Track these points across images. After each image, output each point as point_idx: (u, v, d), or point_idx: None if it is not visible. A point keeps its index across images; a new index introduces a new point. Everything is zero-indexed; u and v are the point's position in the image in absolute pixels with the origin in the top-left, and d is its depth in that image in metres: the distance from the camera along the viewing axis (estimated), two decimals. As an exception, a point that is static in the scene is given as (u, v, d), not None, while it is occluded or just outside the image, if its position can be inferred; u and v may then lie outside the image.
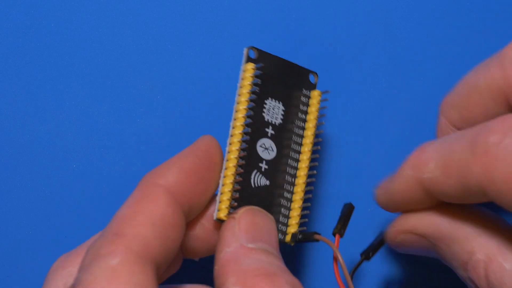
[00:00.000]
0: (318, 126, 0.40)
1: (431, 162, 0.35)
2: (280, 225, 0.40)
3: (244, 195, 0.39)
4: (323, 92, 0.40)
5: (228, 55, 0.45)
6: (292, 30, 0.46)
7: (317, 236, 0.39)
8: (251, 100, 0.39)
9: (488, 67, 0.36)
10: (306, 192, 0.40)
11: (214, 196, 0.38)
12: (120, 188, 0.44)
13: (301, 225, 0.40)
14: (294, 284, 0.35)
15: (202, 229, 0.39)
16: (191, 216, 0.38)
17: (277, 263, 0.36)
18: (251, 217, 0.38)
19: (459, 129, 0.39)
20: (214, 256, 0.37)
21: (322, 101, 0.40)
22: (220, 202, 0.38)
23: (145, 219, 0.35)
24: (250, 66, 0.38)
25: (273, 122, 0.39)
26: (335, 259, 0.38)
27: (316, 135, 0.40)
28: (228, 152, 0.38)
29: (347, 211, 0.39)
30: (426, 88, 0.46)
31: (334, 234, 0.39)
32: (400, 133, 0.46)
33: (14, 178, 0.44)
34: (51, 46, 0.45)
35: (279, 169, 0.40)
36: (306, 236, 0.39)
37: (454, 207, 0.37)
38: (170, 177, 0.37)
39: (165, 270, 0.37)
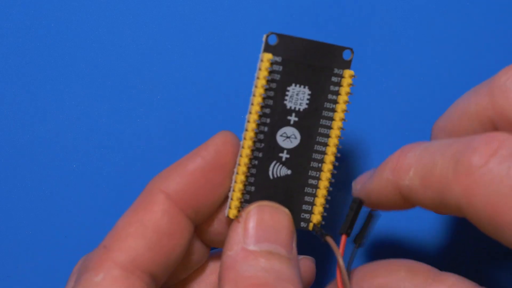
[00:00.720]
0: (347, 112, 0.39)
1: (411, 169, 0.35)
2: (303, 213, 0.39)
3: (260, 189, 0.38)
4: (354, 76, 0.39)
5: (229, 55, 0.45)
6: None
7: (328, 239, 0.38)
8: (268, 89, 0.37)
9: (478, 94, 0.36)
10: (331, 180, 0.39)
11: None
12: (120, 188, 0.44)
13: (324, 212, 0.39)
14: None
15: (221, 224, 0.38)
16: (201, 218, 0.37)
17: (276, 268, 0.35)
18: (258, 216, 0.37)
19: None
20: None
21: (352, 85, 0.38)
22: (231, 199, 0.37)
23: (137, 230, 0.35)
24: (267, 56, 0.37)
25: (297, 109, 0.38)
26: (339, 266, 0.37)
27: (346, 116, 0.39)
28: (242, 147, 0.37)
29: (356, 207, 0.39)
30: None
31: (340, 234, 0.39)
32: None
33: (14, 178, 0.44)
34: (51, 46, 0.45)
35: (303, 157, 0.38)
36: (321, 233, 0.38)
37: (388, 263, 0.38)
38: (172, 183, 0.36)
39: (181, 272, 0.37)
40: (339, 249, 0.38)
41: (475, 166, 0.32)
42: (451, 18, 0.47)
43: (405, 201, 0.36)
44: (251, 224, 0.37)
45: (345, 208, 0.43)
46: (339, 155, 0.39)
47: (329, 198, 0.39)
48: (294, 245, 0.37)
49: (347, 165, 0.45)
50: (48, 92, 0.44)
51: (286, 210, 0.38)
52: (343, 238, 0.38)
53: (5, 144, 0.44)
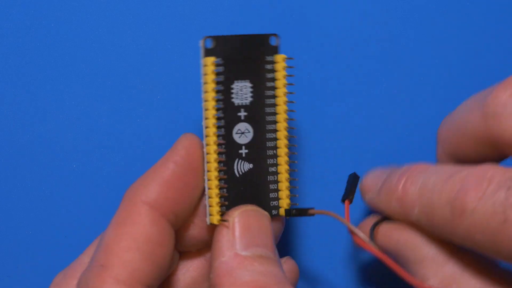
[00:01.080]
0: (290, 90, 0.40)
1: (415, 208, 0.36)
2: (271, 202, 0.40)
3: (231, 188, 0.39)
4: (288, 58, 0.39)
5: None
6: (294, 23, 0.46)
7: (312, 211, 0.39)
8: (216, 91, 0.38)
9: (473, 114, 0.36)
10: (291, 162, 0.40)
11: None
12: (120, 188, 0.44)
13: (292, 194, 0.40)
14: None
15: (197, 229, 0.39)
16: (179, 223, 0.37)
17: (273, 272, 0.36)
18: (244, 221, 0.37)
19: (455, 160, 0.39)
20: (210, 261, 0.37)
21: (290, 67, 0.39)
22: (210, 206, 0.38)
23: (130, 244, 0.35)
24: (209, 60, 0.38)
25: (244, 104, 0.39)
26: (351, 231, 0.38)
27: (290, 100, 0.39)
28: (207, 153, 0.38)
29: (353, 180, 0.40)
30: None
31: (343, 201, 0.39)
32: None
33: (14, 178, 0.44)
34: (51, 46, 0.45)
35: (260, 149, 0.39)
36: (300, 211, 0.39)
37: (413, 230, 0.38)
38: (151, 192, 0.36)
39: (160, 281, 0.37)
40: (346, 215, 0.39)
41: (469, 209, 0.33)
42: (451, 19, 0.47)
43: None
44: (239, 229, 0.37)
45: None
46: (295, 136, 0.40)
47: (296, 179, 0.40)
48: (275, 245, 0.38)
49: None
50: (48, 92, 0.44)
51: (265, 212, 0.39)
52: (346, 204, 0.39)
53: (5, 144, 0.44)
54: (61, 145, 0.44)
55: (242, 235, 0.37)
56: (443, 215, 0.34)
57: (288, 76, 0.39)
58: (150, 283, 0.35)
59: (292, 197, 0.40)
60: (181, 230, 0.39)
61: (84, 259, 0.38)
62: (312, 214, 0.39)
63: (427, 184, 0.36)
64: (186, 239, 0.39)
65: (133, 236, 0.35)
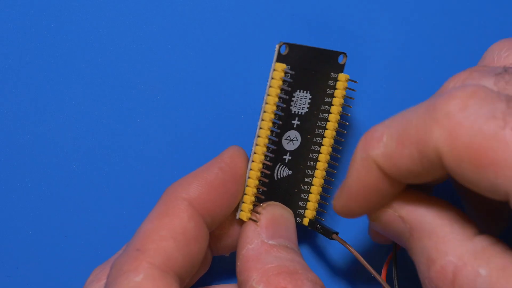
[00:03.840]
0: (345, 110, 0.41)
1: (384, 136, 0.35)
2: (298, 210, 0.41)
3: (267, 190, 0.40)
4: (351, 80, 0.40)
5: (229, 55, 0.45)
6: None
7: (335, 236, 0.40)
8: (280, 97, 0.39)
9: (420, 119, 0.35)
10: (328, 175, 0.41)
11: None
12: (120, 188, 0.44)
13: (320, 208, 0.41)
14: (315, 281, 0.36)
15: (228, 227, 0.40)
16: (214, 225, 0.38)
17: (297, 260, 0.37)
18: (271, 214, 0.39)
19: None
20: (236, 253, 0.38)
21: (349, 88, 0.40)
22: (243, 202, 0.39)
23: (167, 233, 0.36)
24: (281, 67, 0.38)
25: (299, 113, 0.40)
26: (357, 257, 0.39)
27: (343, 119, 0.40)
28: (254, 153, 0.39)
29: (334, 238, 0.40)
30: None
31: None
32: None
33: (14, 178, 0.44)
34: (51, 46, 0.45)
35: (302, 157, 0.40)
36: (324, 230, 0.40)
37: (441, 204, 0.36)
38: (193, 191, 0.37)
39: (192, 277, 0.38)
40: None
41: (455, 110, 0.32)
42: (451, 20, 0.47)
43: (385, 181, 0.35)
44: (265, 221, 0.39)
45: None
46: (339, 155, 0.41)
47: (328, 196, 0.41)
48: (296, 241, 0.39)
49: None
50: (48, 92, 0.44)
51: (290, 210, 0.40)
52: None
53: (5, 144, 0.44)
54: (61, 145, 0.44)
55: (268, 226, 0.38)
56: (419, 124, 0.33)
57: (346, 96, 0.40)
58: (181, 274, 0.36)
59: (320, 212, 0.41)
60: (216, 234, 0.40)
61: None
62: (334, 239, 0.40)
63: (397, 114, 0.35)
64: (216, 237, 0.40)
65: (170, 226, 0.36)
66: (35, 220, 0.44)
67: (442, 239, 0.35)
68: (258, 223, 0.38)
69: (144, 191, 0.44)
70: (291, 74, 0.39)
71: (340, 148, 0.41)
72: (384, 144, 0.35)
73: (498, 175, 0.31)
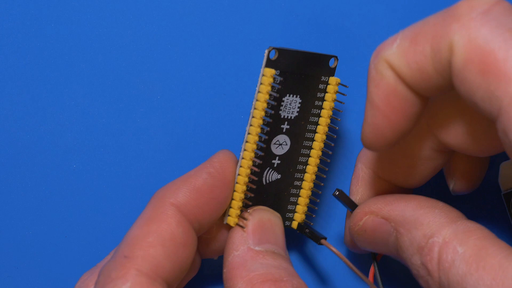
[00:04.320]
0: (335, 114, 0.40)
1: (398, 38, 0.35)
2: (287, 213, 0.40)
3: (255, 195, 0.39)
4: (342, 84, 0.40)
5: (229, 54, 0.45)
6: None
7: (323, 241, 0.39)
8: (268, 103, 0.38)
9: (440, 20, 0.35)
10: (318, 179, 0.41)
11: None
12: (120, 188, 0.44)
13: (309, 211, 0.41)
14: None
15: (216, 231, 0.40)
16: (202, 230, 0.38)
17: (284, 266, 0.37)
18: (257, 219, 0.38)
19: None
20: (223, 258, 0.38)
21: (340, 92, 0.40)
22: (231, 207, 0.39)
23: (155, 240, 0.36)
24: (270, 72, 0.38)
25: (289, 117, 0.39)
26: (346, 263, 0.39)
27: (333, 123, 0.40)
28: (242, 158, 0.39)
29: (340, 196, 0.40)
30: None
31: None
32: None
33: (14, 178, 0.44)
34: (51, 46, 0.45)
35: (291, 161, 0.40)
36: (313, 235, 0.40)
37: (419, 197, 0.37)
38: (181, 196, 0.37)
39: (180, 282, 0.37)
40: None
41: (478, 11, 0.32)
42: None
43: (405, 89, 0.35)
44: (252, 226, 0.38)
45: (338, 208, 0.44)
46: (329, 160, 0.40)
47: (318, 200, 0.41)
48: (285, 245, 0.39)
49: (343, 169, 0.45)
50: (48, 92, 0.44)
51: (278, 214, 0.40)
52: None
53: (5, 144, 0.44)
54: (61, 145, 0.44)
55: (255, 231, 0.38)
56: (436, 23, 0.33)
57: (337, 101, 0.40)
58: (170, 280, 0.36)
59: (309, 216, 0.41)
60: (204, 238, 0.39)
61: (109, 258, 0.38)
62: (322, 244, 0.40)
63: (414, 24, 0.35)
64: (204, 241, 0.40)
65: (158, 233, 0.36)
66: (35, 220, 0.44)
67: (427, 225, 0.36)
68: (245, 229, 0.38)
69: (144, 191, 0.44)
70: (280, 80, 0.38)
71: (331, 152, 0.41)
72: (397, 45, 0.34)
73: (499, 86, 0.31)
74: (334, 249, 0.39)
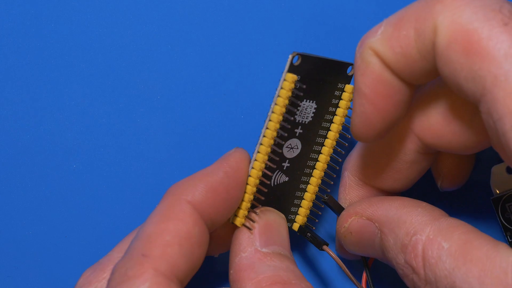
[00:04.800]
0: (348, 121, 0.40)
1: (382, 26, 0.35)
2: (290, 215, 0.40)
3: (263, 196, 0.39)
4: (297, 82, 0.39)
5: (229, 54, 0.45)
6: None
7: (325, 247, 0.40)
8: (286, 108, 0.38)
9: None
10: (324, 185, 0.41)
11: None
12: (120, 188, 0.44)
13: (313, 216, 0.41)
14: None
15: (220, 229, 0.39)
16: (212, 229, 0.38)
17: (291, 268, 0.37)
18: (264, 220, 0.38)
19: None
20: (229, 259, 0.37)
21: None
22: (239, 208, 0.38)
23: (173, 239, 0.35)
24: (292, 77, 0.38)
25: (303, 122, 0.39)
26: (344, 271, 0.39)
27: (345, 131, 0.40)
28: (255, 160, 0.38)
29: (328, 203, 0.40)
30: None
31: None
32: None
33: (14, 178, 0.44)
34: (51, 46, 0.45)
35: (300, 165, 0.40)
36: (314, 239, 0.40)
37: (402, 198, 0.38)
38: (197, 194, 0.37)
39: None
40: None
41: None
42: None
43: (390, 76, 0.35)
44: (259, 228, 0.38)
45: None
46: (337, 167, 0.41)
47: (322, 206, 0.41)
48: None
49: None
50: (48, 92, 0.44)
51: (283, 215, 0.40)
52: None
53: (5, 144, 0.44)
54: (61, 145, 0.44)
55: (261, 233, 0.38)
56: (419, 6, 0.33)
57: (350, 108, 0.39)
58: (183, 279, 0.36)
59: (312, 221, 0.41)
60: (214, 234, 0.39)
61: (114, 255, 0.38)
62: (323, 250, 0.40)
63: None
64: (210, 244, 0.39)
65: (176, 232, 0.35)
66: (35, 220, 0.44)
67: (410, 223, 0.36)
68: (252, 231, 0.38)
69: (144, 191, 0.44)
70: (300, 85, 0.38)
71: (340, 160, 0.41)
72: (381, 31, 0.35)
73: (482, 66, 0.31)
74: (334, 255, 0.39)
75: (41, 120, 0.44)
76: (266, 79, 0.45)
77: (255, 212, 0.39)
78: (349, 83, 0.40)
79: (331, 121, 0.40)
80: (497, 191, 0.42)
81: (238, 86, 0.45)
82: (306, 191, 0.40)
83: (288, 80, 0.38)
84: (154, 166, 0.44)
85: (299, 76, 0.38)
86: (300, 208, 0.40)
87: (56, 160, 0.44)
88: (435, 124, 0.37)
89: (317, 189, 0.40)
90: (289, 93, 0.38)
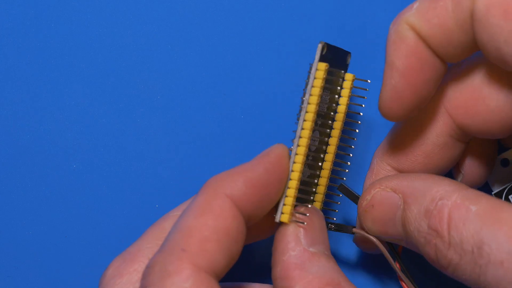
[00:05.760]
0: (355, 109, 0.40)
1: (416, 2, 0.35)
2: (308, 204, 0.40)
3: (299, 191, 0.39)
4: (357, 79, 0.40)
5: (229, 54, 0.45)
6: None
7: (355, 230, 0.40)
8: (320, 97, 0.38)
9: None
10: (336, 173, 0.40)
11: None
12: (120, 188, 0.44)
13: (326, 207, 0.40)
14: None
15: (256, 228, 0.39)
16: (249, 224, 0.37)
17: (336, 269, 0.37)
18: (309, 219, 0.38)
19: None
20: (274, 256, 0.37)
21: (356, 87, 0.40)
22: (285, 205, 0.38)
23: (212, 234, 0.35)
24: (324, 66, 0.37)
25: (321, 112, 0.39)
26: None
27: (354, 118, 0.40)
28: (296, 154, 0.38)
29: (342, 190, 0.40)
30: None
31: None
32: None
33: (14, 178, 0.44)
34: (51, 46, 0.45)
35: (317, 156, 0.39)
36: (340, 227, 0.40)
37: (427, 174, 0.38)
38: (237, 189, 0.36)
39: None
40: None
41: None
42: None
43: (426, 51, 0.35)
44: (306, 226, 0.38)
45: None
46: (351, 154, 0.40)
47: (340, 195, 0.41)
48: None
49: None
50: (48, 92, 0.44)
51: (321, 212, 0.39)
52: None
53: (5, 144, 0.44)
54: (61, 145, 0.44)
55: (308, 231, 0.38)
56: None
57: (359, 96, 0.39)
58: (220, 275, 0.35)
59: (331, 212, 0.41)
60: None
61: (143, 244, 0.37)
62: (354, 233, 0.40)
63: None
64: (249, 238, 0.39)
65: (215, 227, 0.35)
66: (35, 220, 0.44)
67: (436, 191, 0.36)
68: (298, 229, 0.37)
69: (144, 191, 0.44)
70: (328, 74, 0.38)
71: (350, 155, 0.41)
72: (416, 6, 0.35)
73: None
74: (366, 234, 0.39)
75: (41, 120, 0.44)
76: (266, 79, 0.45)
77: (304, 213, 0.38)
78: (346, 71, 0.39)
79: (336, 111, 0.39)
80: (496, 186, 0.42)
81: (238, 86, 0.45)
82: (319, 185, 0.40)
83: (321, 69, 0.37)
84: (154, 166, 0.44)
85: (328, 65, 0.38)
86: (316, 195, 0.40)
87: (56, 160, 0.44)
88: (470, 100, 0.37)
89: (329, 174, 0.40)
90: (323, 83, 0.38)
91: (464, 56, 0.36)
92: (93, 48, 0.45)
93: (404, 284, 0.39)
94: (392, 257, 0.39)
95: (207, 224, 0.35)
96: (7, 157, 0.44)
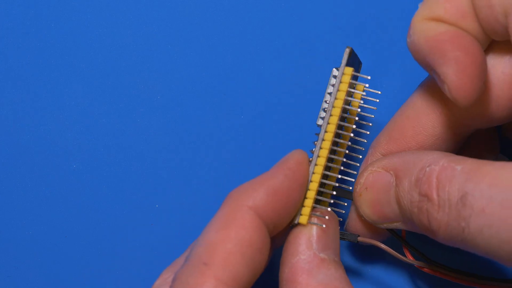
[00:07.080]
0: (368, 112, 0.40)
1: None
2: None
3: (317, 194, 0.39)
4: (354, 73, 0.39)
5: (229, 54, 0.45)
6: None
7: (360, 238, 0.40)
8: (344, 101, 0.38)
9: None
10: (338, 176, 0.40)
11: None
12: (120, 188, 0.44)
13: (333, 208, 0.40)
14: None
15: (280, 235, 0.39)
16: (273, 233, 0.37)
17: (344, 277, 0.37)
18: (327, 223, 0.38)
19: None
20: (283, 256, 0.37)
21: (365, 97, 0.39)
22: (304, 206, 0.38)
23: (234, 247, 0.35)
24: (350, 70, 0.38)
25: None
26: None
27: (362, 119, 0.40)
28: (319, 156, 0.38)
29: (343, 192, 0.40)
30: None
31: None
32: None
33: (14, 178, 0.44)
34: (51, 46, 0.45)
35: (330, 158, 0.39)
36: (344, 235, 0.40)
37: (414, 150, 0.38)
38: (258, 199, 0.36)
39: None
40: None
41: None
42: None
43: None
44: (317, 231, 0.37)
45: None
46: (347, 151, 0.40)
47: (346, 204, 0.40)
48: None
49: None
50: (48, 92, 0.44)
51: (337, 216, 0.39)
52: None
53: (5, 144, 0.44)
54: (61, 145, 0.44)
55: (320, 236, 0.37)
56: None
57: (349, 89, 0.39)
58: (245, 287, 0.35)
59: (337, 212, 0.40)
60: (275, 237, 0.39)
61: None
62: (359, 242, 0.40)
63: None
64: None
65: (238, 240, 0.35)
66: (35, 220, 0.44)
67: (425, 160, 0.36)
68: (311, 233, 0.37)
69: (144, 191, 0.44)
70: (352, 77, 0.38)
71: (362, 147, 0.40)
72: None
73: None
74: (371, 240, 0.39)
75: (41, 120, 0.44)
76: (266, 79, 0.45)
77: (327, 211, 0.38)
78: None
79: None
80: None
81: (238, 86, 0.45)
82: (329, 176, 0.39)
83: (347, 73, 0.38)
84: (154, 166, 0.44)
85: (353, 69, 0.38)
86: (323, 194, 0.39)
87: (56, 160, 0.44)
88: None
89: (334, 183, 0.40)
90: (348, 87, 0.38)
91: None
92: (93, 48, 0.45)
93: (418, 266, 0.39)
94: (398, 253, 0.39)
95: (229, 237, 0.35)
96: (7, 157, 0.44)
